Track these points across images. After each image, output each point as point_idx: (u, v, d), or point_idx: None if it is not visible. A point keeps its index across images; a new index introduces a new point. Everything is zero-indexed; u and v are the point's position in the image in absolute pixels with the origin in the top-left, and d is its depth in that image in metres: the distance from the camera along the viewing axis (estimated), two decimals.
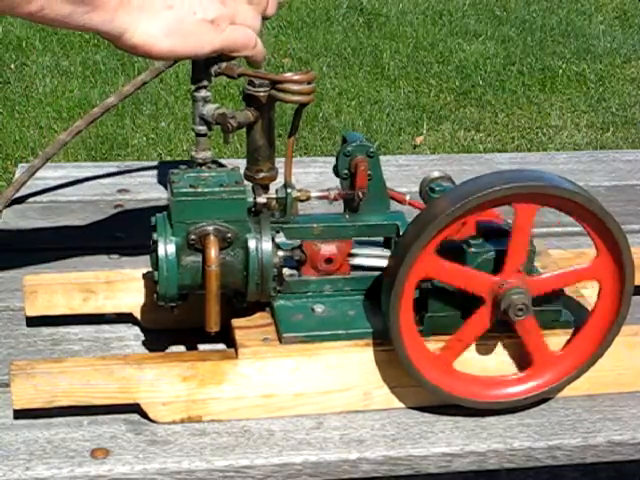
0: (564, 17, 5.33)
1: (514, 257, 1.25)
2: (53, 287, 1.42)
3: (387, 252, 1.39)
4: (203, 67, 1.29)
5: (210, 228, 1.25)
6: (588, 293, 1.40)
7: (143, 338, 1.44)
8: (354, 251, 1.38)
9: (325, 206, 1.44)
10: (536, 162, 2.11)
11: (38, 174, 1.84)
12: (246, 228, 1.28)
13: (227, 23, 1.22)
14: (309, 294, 1.36)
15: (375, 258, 1.38)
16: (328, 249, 1.36)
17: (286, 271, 1.35)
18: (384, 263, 1.33)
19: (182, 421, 1.27)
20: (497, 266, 1.26)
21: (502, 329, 1.28)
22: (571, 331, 1.32)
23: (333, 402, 1.29)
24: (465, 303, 1.27)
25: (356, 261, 1.38)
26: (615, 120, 4.14)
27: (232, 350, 1.29)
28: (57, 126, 3.84)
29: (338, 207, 1.39)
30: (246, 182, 1.32)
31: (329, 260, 1.36)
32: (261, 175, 1.35)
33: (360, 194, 1.34)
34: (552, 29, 5.14)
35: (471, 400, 1.28)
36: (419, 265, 1.21)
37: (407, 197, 1.40)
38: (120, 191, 1.90)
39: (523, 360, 1.30)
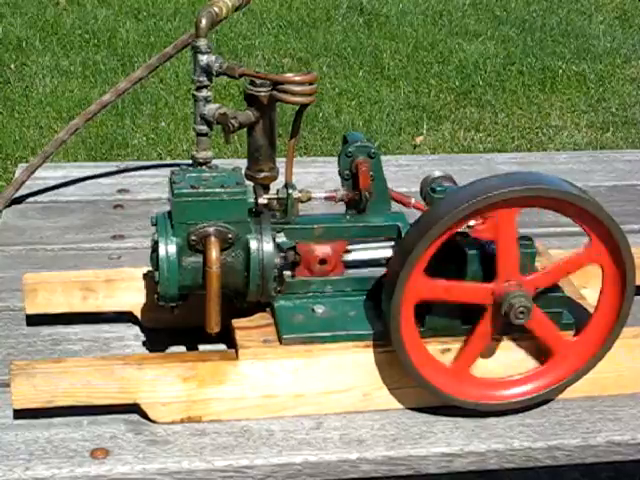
0: (564, 17, 5.33)
1: (505, 262, 1.24)
2: (53, 285, 1.42)
3: (383, 243, 1.38)
4: (204, 67, 1.29)
5: (211, 229, 1.25)
6: (588, 294, 1.40)
7: (143, 338, 1.44)
8: (348, 247, 1.37)
9: (326, 207, 1.44)
10: (536, 162, 2.11)
11: (38, 174, 1.85)
12: (247, 229, 1.28)
13: None
14: (310, 295, 1.36)
15: (370, 250, 1.37)
16: (322, 250, 1.35)
17: (287, 272, 1.35)
18: (379, 254, 1.32)
19: (182, 421, 1.27)
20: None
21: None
22: (572, 333, 1.32)
23: (333, 402, 1.29)
24: (465, 305, 1.27)
25: (350, 257, 1.37)
26: (615, 120, 4.14)
27: (232, 351, 1.29)
28: (57, 126, 3.83)
29: (340, 207, 1.39)
30: (247, 182, 1.32)
31: (323, 261, 1.35)
32: (262, 175, 1.35)
33: (367, 195, 1.33)
34: (552, 29, 5.13)
35: (469, 401, 1.28)
36: (413, 290, 1.21)
37: (412, 200, 1.39)
38: (120, 191, 1.90)
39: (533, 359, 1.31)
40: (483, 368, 1.30)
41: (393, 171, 1.98)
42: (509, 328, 1.27)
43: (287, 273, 1.35)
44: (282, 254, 1.31)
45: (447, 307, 1.28)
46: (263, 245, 1.27)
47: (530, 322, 1.25)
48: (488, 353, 1.30)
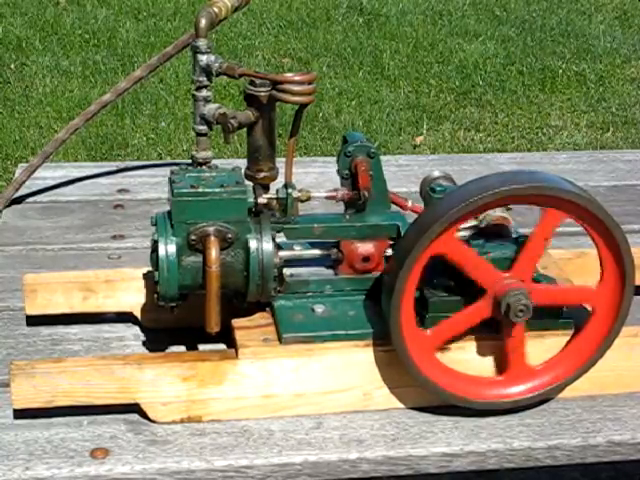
0: (564, 17, 5.33)
1: (527, 259, 1.24)
2: (53, 286, 1.42)
3: None
4: (203, 67, 1.29)
5: (211, 228, 1.25)
6: None
7: (143, 338, 1.44)
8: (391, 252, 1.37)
9: (325, 206, 1.44)
10: (536, 162, 2.11)
11: (38, 174, 1.85)
12: (247, 228, 1.28)
13: None
14: (309, 294, 1.35)
15: None
16: (365, 248, 1.35)
17: (286, 271, 1.35)
18: None
19: (182, 421, 1.27)
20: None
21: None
22: (571, 332, 1.32)
23: (333, 402, 1.29)
24: (465, 305, 1.27)
25: None
26: (615, 120, 4.14)
27: (232, 350, 1.29)
28: (57, 126, 3.83)
29: (339, 207, 1.39)
30: (247, 182, 1.32)
31: (366, 259, 1.35)
32: (262, 175, 1.35)
33: (366, 194, 1.33)
34: (552, 29, 5.13)
35: (470, 400, 1.28)
36: (413, 289, 1.21)
37: (409, 203, 1.39)
38: (120, 191, 1.90)
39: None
40: (483, 366, 1.30)
41: (393, 171, 1.99)
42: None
43: (287, 272, 1.35)
44: (318, 252, 1.32)
45: (447, 307, 1.28)
46: (263, 245, 1.27)
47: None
48: (487, 351, 1.31)
